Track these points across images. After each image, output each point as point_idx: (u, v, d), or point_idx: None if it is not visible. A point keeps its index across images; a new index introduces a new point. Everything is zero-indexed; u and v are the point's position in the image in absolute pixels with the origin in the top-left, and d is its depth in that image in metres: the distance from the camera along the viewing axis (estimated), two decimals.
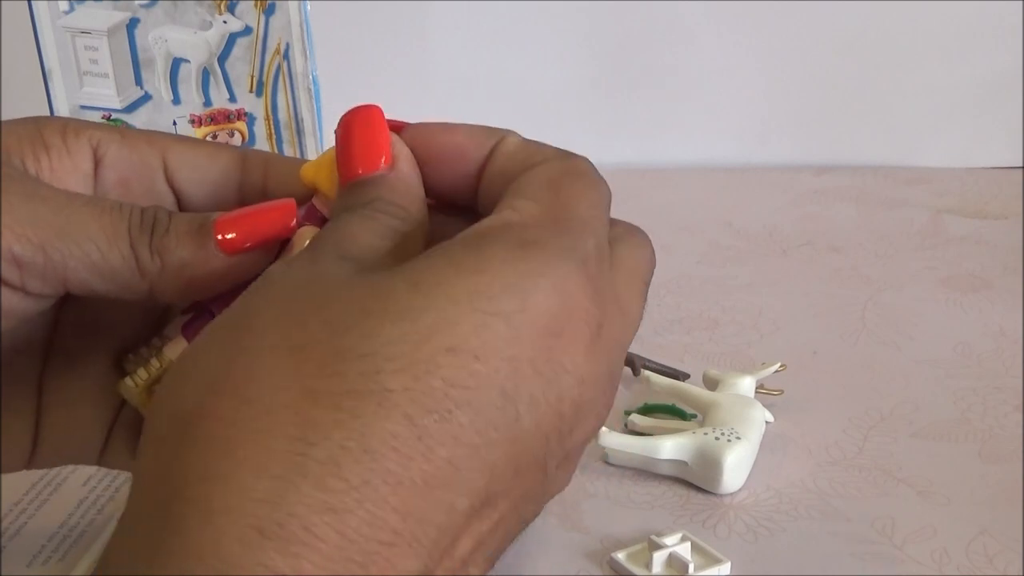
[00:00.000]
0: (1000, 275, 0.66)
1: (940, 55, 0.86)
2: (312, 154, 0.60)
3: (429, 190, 0.31)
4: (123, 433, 0.33)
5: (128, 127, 0.34)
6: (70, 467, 0.45)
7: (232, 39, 0.57)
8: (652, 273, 0.31)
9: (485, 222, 0.27)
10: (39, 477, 0.45)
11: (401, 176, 0.29)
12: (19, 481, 0.44)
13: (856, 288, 0.65)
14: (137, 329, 0.33)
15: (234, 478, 0.21)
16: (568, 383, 0.25)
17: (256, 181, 0.32)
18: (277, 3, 0.57)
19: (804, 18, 0.86)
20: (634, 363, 0.52)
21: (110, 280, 0.29)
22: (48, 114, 0.57)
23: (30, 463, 0.33)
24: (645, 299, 0.31)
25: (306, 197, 0.31)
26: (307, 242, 0.30)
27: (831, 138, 0.89)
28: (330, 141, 0.60)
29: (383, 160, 0.29)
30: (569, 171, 0.29)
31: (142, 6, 0.56)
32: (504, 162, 0.30)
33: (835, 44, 0.87)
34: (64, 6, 0.56)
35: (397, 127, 0.31)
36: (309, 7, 0.58)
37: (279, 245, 0.30)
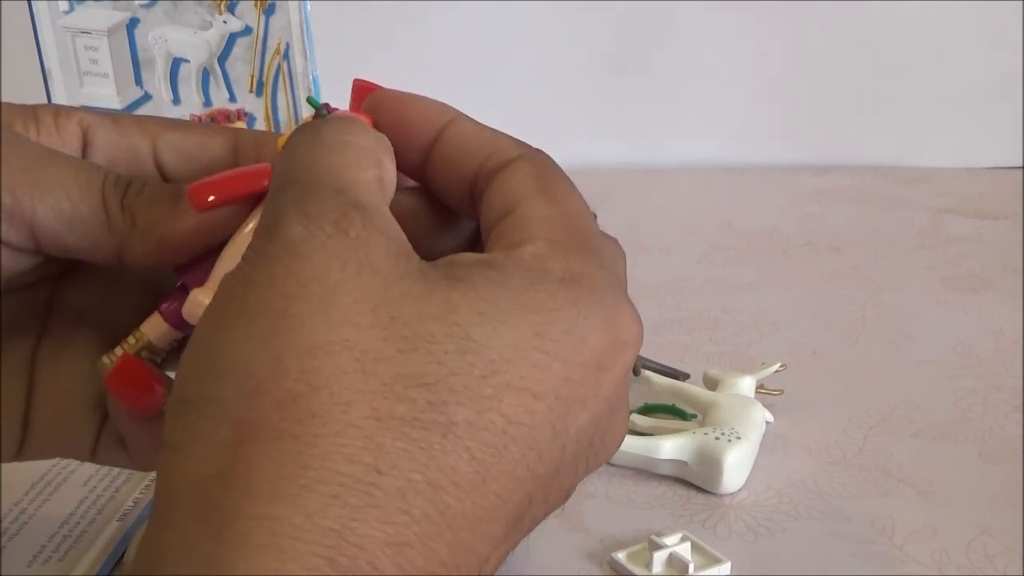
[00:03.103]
0: (1000, 275, 0.66)
1: (940, 55, 0.86)
2: None
3: None
4: (115, 430, 0.32)
5: (122, 114, 0.33)
6: (71, 467, 0.45)
7: (232, 39, 0.57)
8: None
9: (527, 249, 0.26)
10: (39, 477, 0.45)
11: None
12: (19, 481, 0.44)
13: (856, 288, 0.65)
14: (129, 322, 0.32)
15: (305, 502, 0.21)
16: (604, 411, 0.26)
17: (247, 163, 0.32)
18: (277, 3, 0.57)
19: (804, 18, 0.86)
20: (634, 363, 0.52)
21: (79, 233, 0.28)
22: None
23: (19, 454, 0.32)
24: None
25: None
26: None
27: (831, 138, 0.89)
28: None
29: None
30: (546, 172, 0.29)
31: (142, 6, 0.56)
32: (454, 148, 0.29)
33: (835, 44, 0.87)
34: (64, 6, 0.56)
35: (369, 88, 0.32)
36: (309, 7, 0.58)
37: (252, 205, 0.30)
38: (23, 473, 0.45)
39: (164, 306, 0.31)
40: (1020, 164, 0.86)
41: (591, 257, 0.27)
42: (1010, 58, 0.85)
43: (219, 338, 0.23)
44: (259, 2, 0.57)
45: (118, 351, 0.31)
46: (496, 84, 0.88)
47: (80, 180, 0.28)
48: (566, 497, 0.27)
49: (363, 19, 0.87)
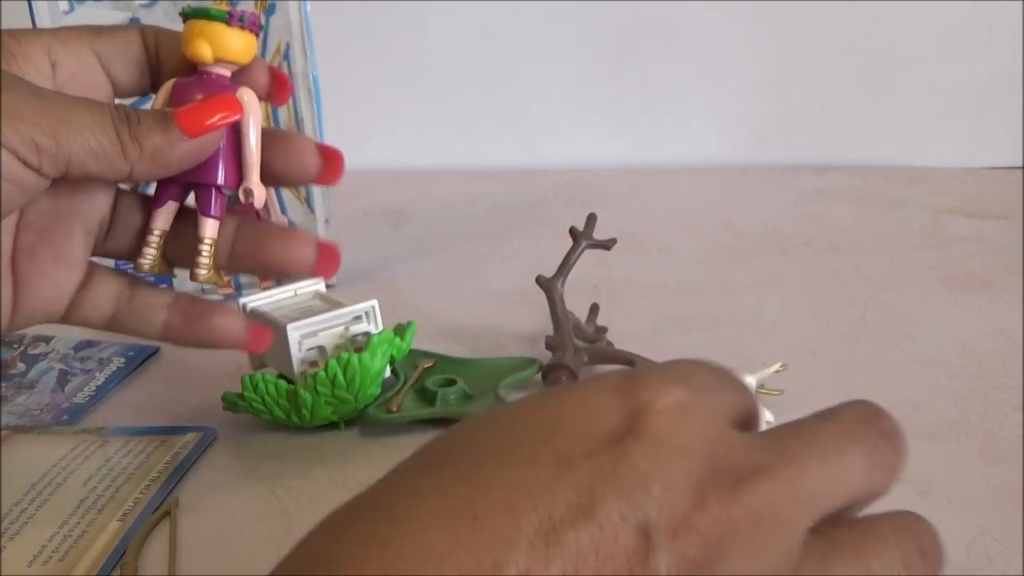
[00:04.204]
0: (1000, 275, 0.66)
1: (940, 55, 0.86)
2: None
3: None
4: (88, 294, 0.41)
5: (60, 29, 0.40)
6: (71, 467, 0.45)
7: None
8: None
9: None
10: (39, 477, 0.45)
11: None
12: (19, 481, 0.44)
13: (856, 288, 0.65)
14: (100, 207, 0.41)
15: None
16: (641, 444, 0.24)
17: (152, 54, 0.40)
18: (277, 3, 0.57)
19: (804, 18, 0.86)
20: (634, 363, 0.52)
21: (102, 162, 0.36)
22: None
23: (8, 327, 0.40)
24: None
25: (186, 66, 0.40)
26: (247, 98, 0.39)
27: (831, 138, 0.89)
28: (331, 141, 0.60)
29: None
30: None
31: (142, 6, 0.56)
32: None
33: (835, 44, 0.87)
34: (64, 6, 0.56)
35: None
36: (309, 7, 0.58)
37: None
38: (23, 473, 0.45)
39: (210, 209, 0.40)
40: (1020, 164, 0.86)
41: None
42: (1010, 58, 0.85)
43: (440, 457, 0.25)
44: (259, 2, 0.57)
45: (150, 252, 0.40)
46: (496, 84, 0.88)
47: (97, 119, 0.36)
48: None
49: (363, 19, 0.87)
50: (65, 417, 0.51)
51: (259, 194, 0.40)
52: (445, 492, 0.23)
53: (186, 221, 0.41)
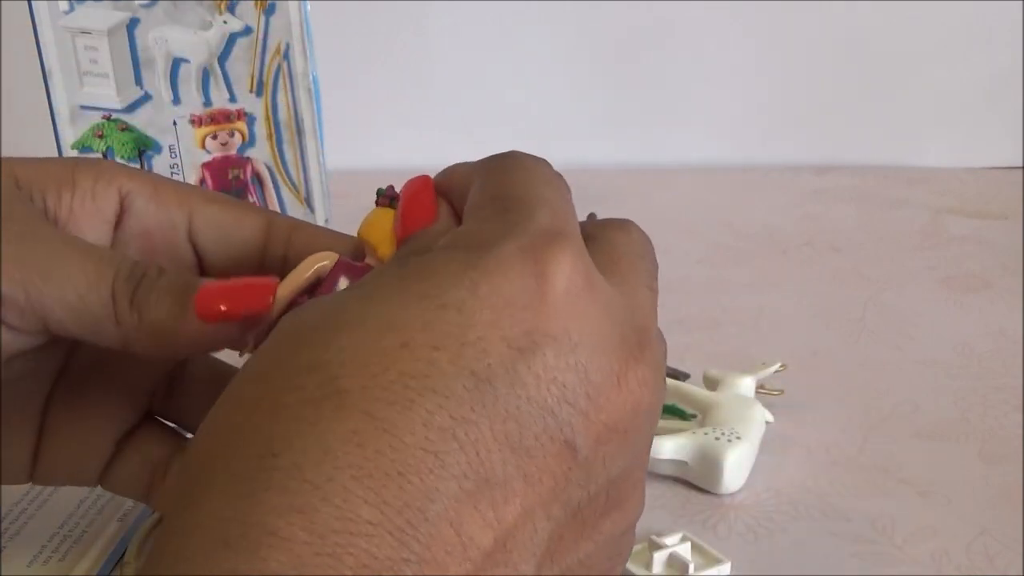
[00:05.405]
0: (1000, 275, 0.66)
1: (940, 55, 0.86)
2: (312, 155, 0.60)
3: None
4: (123, 461, 0.35)
5: (162, 178, 0.33)
6: None
7: (232, 39, 0.57)
8: (647, 253, 0.31)
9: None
10: None
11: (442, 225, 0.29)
12: None
13: (856, 288, 0.65)
14: (148, 371, 0.34)
15: (206, 502, 0.22)
16: (558, 347, 0.24)
17: (278, 248, 0.33)
18: (277, 3, 0.57)
19: (804, 18, 0.86)
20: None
21: (86, 324, 0.29)
22: (49, 114, 0.57)
23: (29, 479, 0.35)
24: (646, 272, 0.29)
25: (357, 254, 0.31)
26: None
27: (831, 138, 0.89)
28: (331, 141, 0.60)
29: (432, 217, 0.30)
30: (500, 164, 0.28)
31: (142, 6, 0.56)
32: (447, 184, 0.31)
33: (835, 44, 0.87)
34: (64, 6, 0.56)
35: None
36: (309, 7, 0.58)
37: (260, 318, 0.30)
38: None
39: None
40: (1020, 164, 0.86)
41: (496, 216, 0.26)
42: (1009, 58, 0.85)
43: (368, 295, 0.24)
44: (259, 2, 0.57)
45: None
46: (496, 85, 0.88)
47: (89, 272, 0.29)
48: (577, 462, 0.24)
49: (363, 19, 0.87)
50: None
51: None
52: (363, 445, 0.22)
53: None
